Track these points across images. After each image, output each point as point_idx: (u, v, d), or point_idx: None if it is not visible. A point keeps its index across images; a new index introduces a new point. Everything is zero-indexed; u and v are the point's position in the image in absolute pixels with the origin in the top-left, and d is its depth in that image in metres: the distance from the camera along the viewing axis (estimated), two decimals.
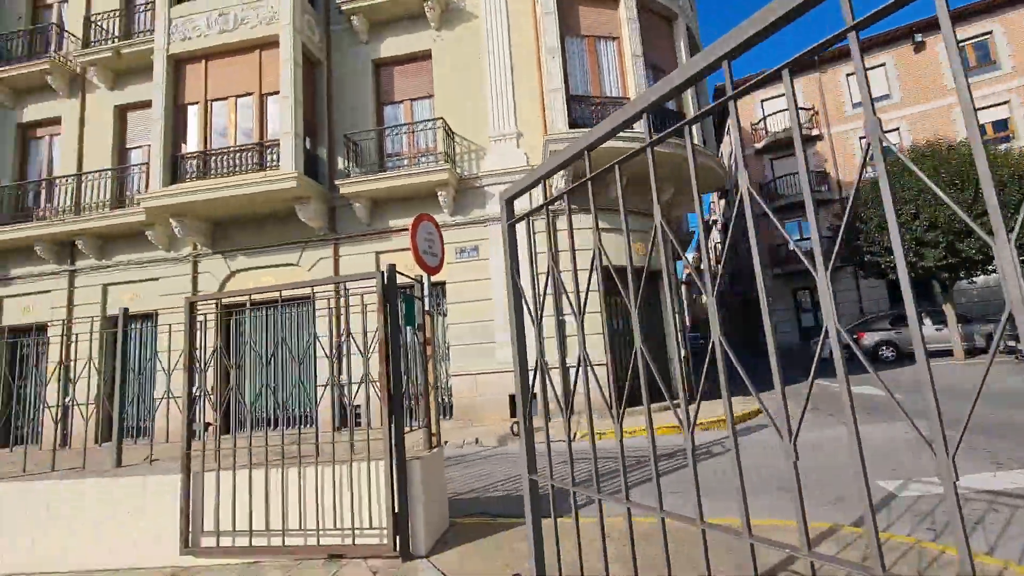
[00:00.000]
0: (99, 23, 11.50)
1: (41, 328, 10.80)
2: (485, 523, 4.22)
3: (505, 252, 2.18)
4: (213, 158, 9.68)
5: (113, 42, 11.24)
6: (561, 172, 8.49)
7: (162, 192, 9.36)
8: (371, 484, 3.67)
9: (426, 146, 10.07)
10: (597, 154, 8.62)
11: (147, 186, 10.76)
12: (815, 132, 21.70)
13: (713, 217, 33.81)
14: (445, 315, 9.80)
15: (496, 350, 9.10)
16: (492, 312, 9.25)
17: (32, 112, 11.82)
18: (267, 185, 9.00)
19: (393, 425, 3.62)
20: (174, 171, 9.69)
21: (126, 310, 4.95)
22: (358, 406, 9.72)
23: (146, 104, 11.39)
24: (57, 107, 11.68)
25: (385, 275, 3.84)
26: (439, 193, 9.33)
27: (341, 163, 10.19)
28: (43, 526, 4.14)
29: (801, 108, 20.96)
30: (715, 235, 32.71)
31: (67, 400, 10.70)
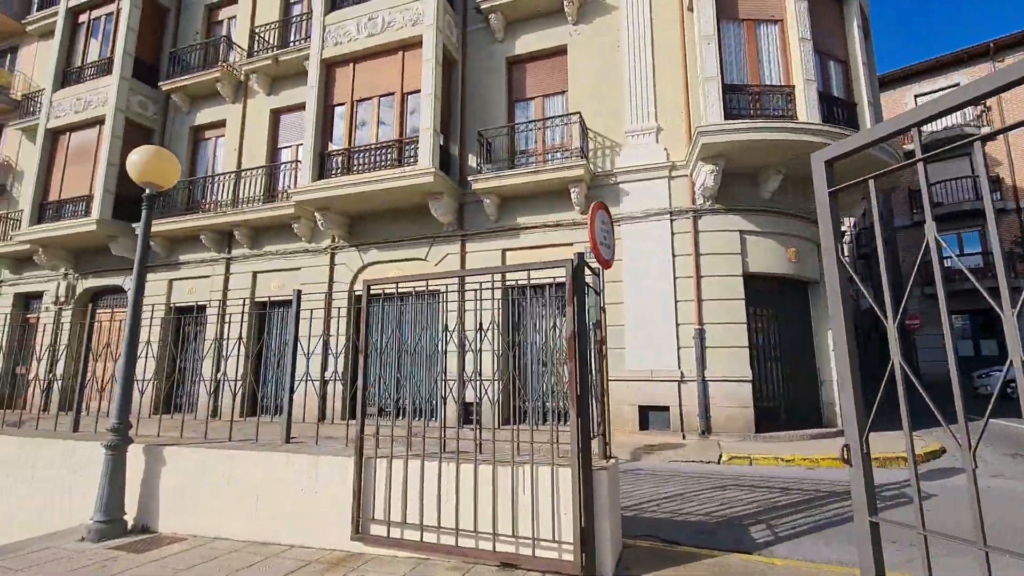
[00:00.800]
0: (261, 34, 12.65)
1: (201, 308, 12.04)
2: (661, 548, 3.75)
3: (826, 225, 1.71)
4: (356, 155, 10.16)
5: (272, 51, 12.30)
6: (710, 168, 7.81)
7: (310, 187, 9.98)
8: (554, 491, 3.34)
9: (559, 142, 9.82)
10: (745, 148, 7.79)
11: (295, 182, 11.59)
12: (985, 129, 18.62)
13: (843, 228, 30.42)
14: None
15: (626, 356, 8.56)
16: (622, 316, 8.72)
17: (203, 116, 13.28)
18: (405, 180, 9.23)
19: (580, 429, 3.28)
20: (321, 167, 10.31)
21: (299, 292, 5.09)
22: (469, 403, 9.69)
23: (296, 107, 12.33)
24: (223, 111, 13.01)
25: (574, 263, 3.51)
26: (572, 190, 9.01)
27: (472, 160, 10.24)
28: (221, 494, 4.30)
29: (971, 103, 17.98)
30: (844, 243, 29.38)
31: (219, 375, 11.73)
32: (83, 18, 14.02)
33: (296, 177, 11.81)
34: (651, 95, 9.22)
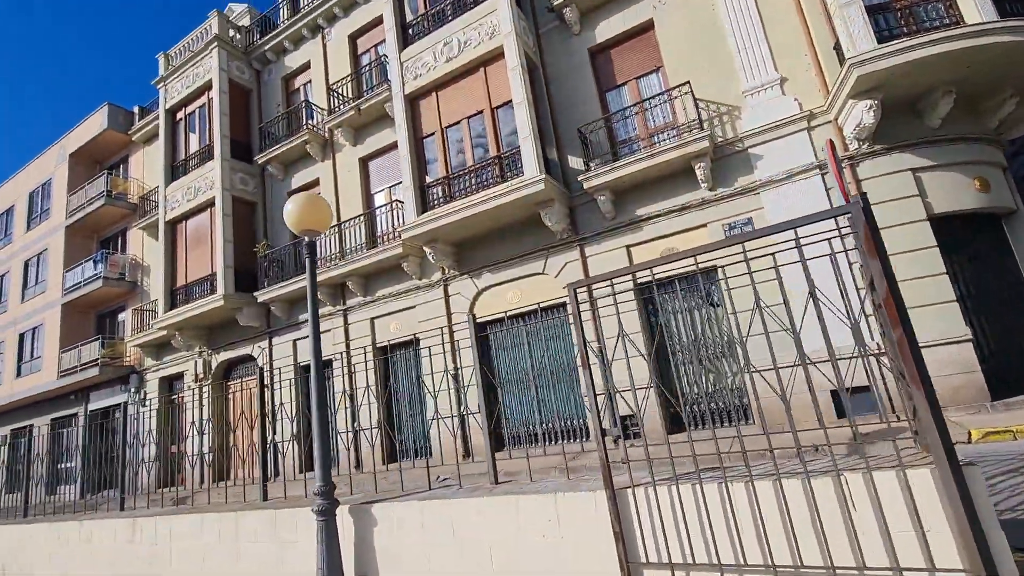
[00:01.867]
0: (337, 90, 13.02)
1: (326, 363, 12.24)
2: None
3: None
4: (455, 181, 9.96)
5: (350, 103, 12.60)
6: (867, 103, 6.75)
7: (417, 222, 9.86)
8: (910, 502, 2.54)
9: (663, 122, 9.08)
10: (910, 71, 6.51)
11: (397, 222, 11.61)
12: None
13: None
14: (717, 306, 8.50)
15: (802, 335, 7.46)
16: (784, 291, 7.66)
17: (298, 179, 13.82)
18: (513, 193, 8.84)
19: (934, 414, 2.47)
20: (423, 200, 10.20)
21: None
22: (625, 417, 8.91)
23: (383, 151, 12.49)
24: (315, 171, 13.46)
25: (860, 202, 2.74)
26: (697, 166, 8.19)
27: (572, 162, 9.71)
28: (444, 549, 3.84)
29: None
30: None
31: (355, 426, 11.63)
32: (180, 115, 15.21)
33: (394, 217, 11.85)
34: (764, 46, 8.29)
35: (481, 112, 9.81)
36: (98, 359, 16.02)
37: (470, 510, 3.81)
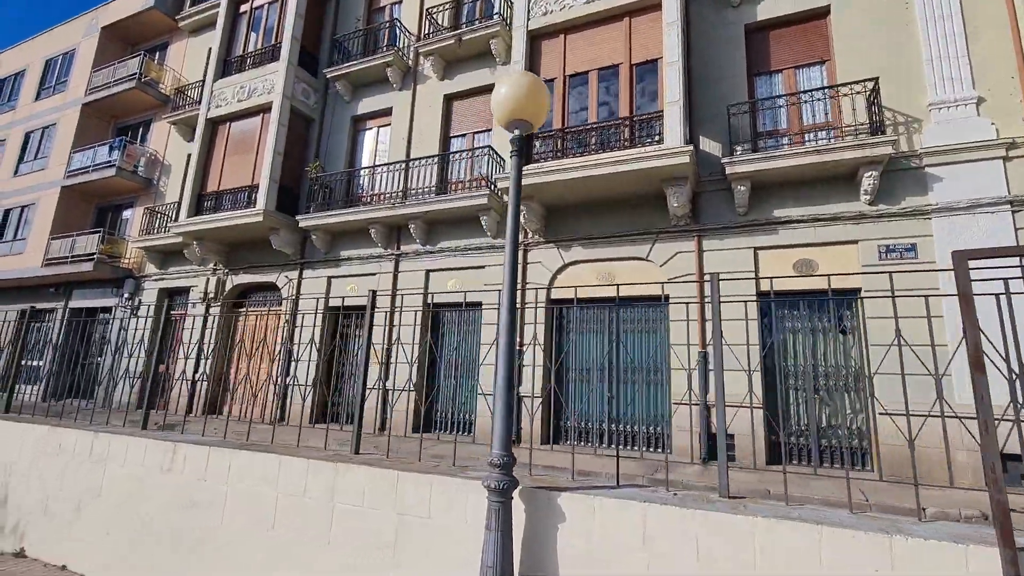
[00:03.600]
0: (434, 15, 11.70)
1: (361, 308, 10.95)
2: None
3: None
4: (571, 137, 8.82)
5: (446, 31, 11.31)
6: None
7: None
8: None
9: (823, 118, 8.11)
10: None
11: (477, 171, 10.41)
12: None
13: None
14: (845, 332, 7.58)
15: (954, 386, 6.60)
16: (939, 333, 6.79)
17: (365, 105, 12.43)
18: (649, 161, 7.76)
19: None
20: (529, 152, 9.04)
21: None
22: (728, 435, 7.95)
23: (473, 92, 11.25)
24: (388, 99, 12.11)
25: None
26: (866, 175, 7.24)
27: (703, 143, 8.67)
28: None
29: None
30: None
31: (386, 383, 10.39)
32: (244, 7, 13.64)
33: (474, 166, 10.66)
34: (964, 59, 7.36)
35: (617, 66, 8.68)
36: (95, 253, 14.39)
37: (737, 531, 2.74)
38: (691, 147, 7.60)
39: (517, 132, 3.69)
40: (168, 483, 4.73)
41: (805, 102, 8.13)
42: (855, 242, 7.49)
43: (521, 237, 9.80)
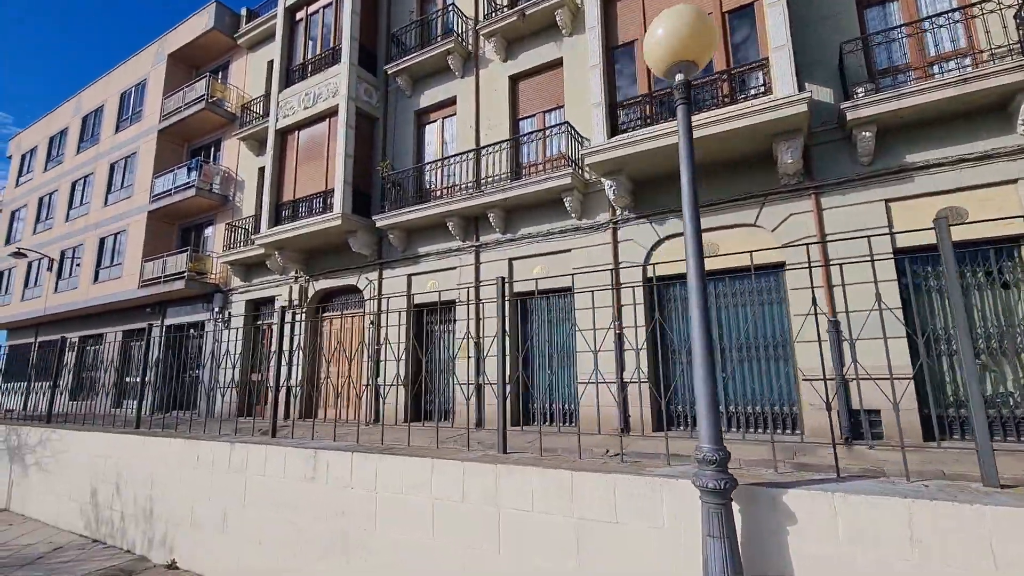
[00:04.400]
0: None
1: (448, 303, 10.80)
2: None
3: None
4: (657, 101, 8.21)
5: (505, 10, 10.86)
6: None
7: (607, 145, 8.18)
8: None
9: (951, 47, 7.09)
10: None
11: (552, 151, 9.97)
12: None
13: None
14: (1008, 287, 6.63)
15: None
16: None
17: (428, 97, 12.23)
18: (760, 115, 7.04)
19: None
20: (613, 123, 8.50)
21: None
22: (871, 411, 7.20)
23: (538, 70, 10.78)
24: (451, 88, 11.84)
25: None
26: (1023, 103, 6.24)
27: (814, 91, 7.81)
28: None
29: None
30: None
31: (480, 379, 10.12)
32: (300, 15, 13.73)
33: (548, 147, 10.22)
34: None
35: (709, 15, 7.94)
36: (184, 272, 15.06)
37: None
38: (808, 94, 6.82)
39: (680, 76, 3.23)
40: (314, 492, 4.63)
41: (939, 27, 7.12)
42: (1014, 181, 6.50)
43: (604, 215, 9.30)
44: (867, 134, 7.02)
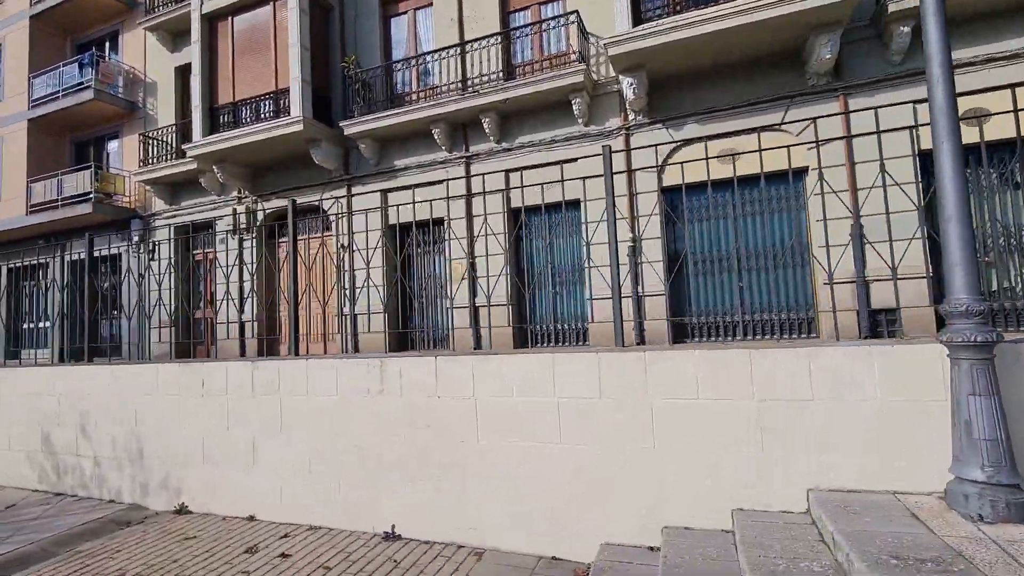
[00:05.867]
0: None
1: (432, 224, 9.79)
2: None
3: None
4: None
5: None
6: None
7: (633, 33, 7.39)
8: None
9: None
10: None
11: (540, 50, 8.99)
12: None
13: None
14: (1019, 187, 6.94)
15: None
16: None
17: None
18: (804, 1, 6.57)
19: None
20: (635, 11, 7.67)
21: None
22: (878, 311, 7.43)
23: None
24: None
25: None
26: None
27: None
28: None
29: None
30: None
31: (475, 300, 9.46)
32: None
33: (545, 41, 9.22)
34: None
35: None
36: (90, 192, 12.53)
37: None
38: None
39: None
40: (382, 406, 3.85)
41: None
42: None
43: (614, 121, 8.65)
44: (904, 29, 6.82)
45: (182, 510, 4.52)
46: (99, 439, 4.98)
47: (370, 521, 3.85)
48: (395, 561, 3.41)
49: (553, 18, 8.93)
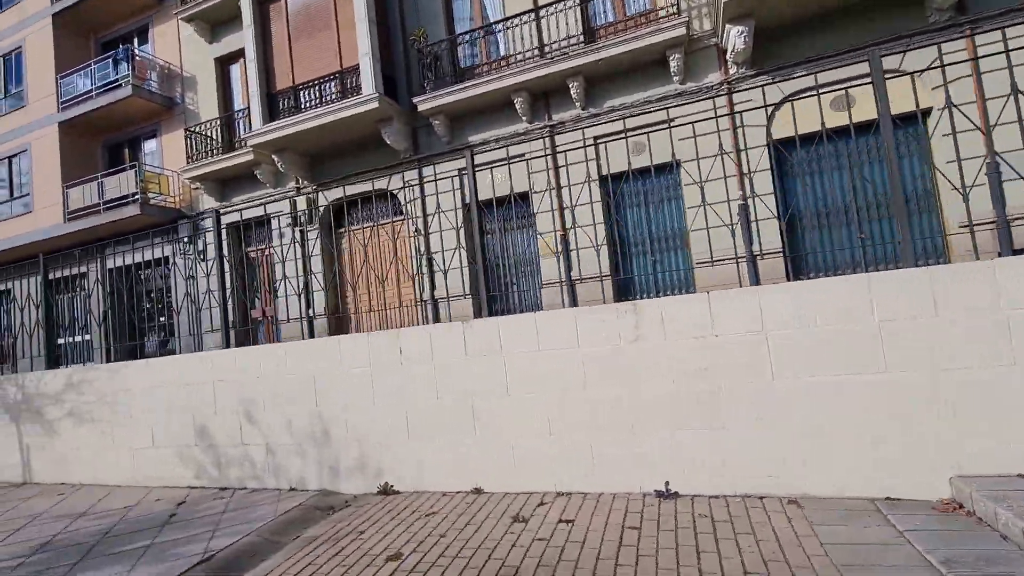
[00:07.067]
0: None
1: (521, 196, 9.41)
2: None
3: None
4: None
5: None
6: None
7: None
8: None
9: None
10: None
11: (623, 9, 8.63)
12: None
13: None
14: None
15: None
16: None
17: None
18: None
19: None
20: None
21: None
22: None
23: None
24: None
25: None
26: None
27: None
28: None
29: None
30: None
31: (571, 274, 9.14)
32: None
33: (624, 4, 8.87)
34: None
35: None
36: (136, 193, 11.99)
37: None
38: None
39: None
40: (639, 354, 3.49)
41: None
42: None
43: (719, 75, 8.33)
44: None
45: (387, 490, 4.12)
46: (269, 425, 4.55)
47: (634, 480, 3.49)
48: (703, 515, 3.04)
49: None
